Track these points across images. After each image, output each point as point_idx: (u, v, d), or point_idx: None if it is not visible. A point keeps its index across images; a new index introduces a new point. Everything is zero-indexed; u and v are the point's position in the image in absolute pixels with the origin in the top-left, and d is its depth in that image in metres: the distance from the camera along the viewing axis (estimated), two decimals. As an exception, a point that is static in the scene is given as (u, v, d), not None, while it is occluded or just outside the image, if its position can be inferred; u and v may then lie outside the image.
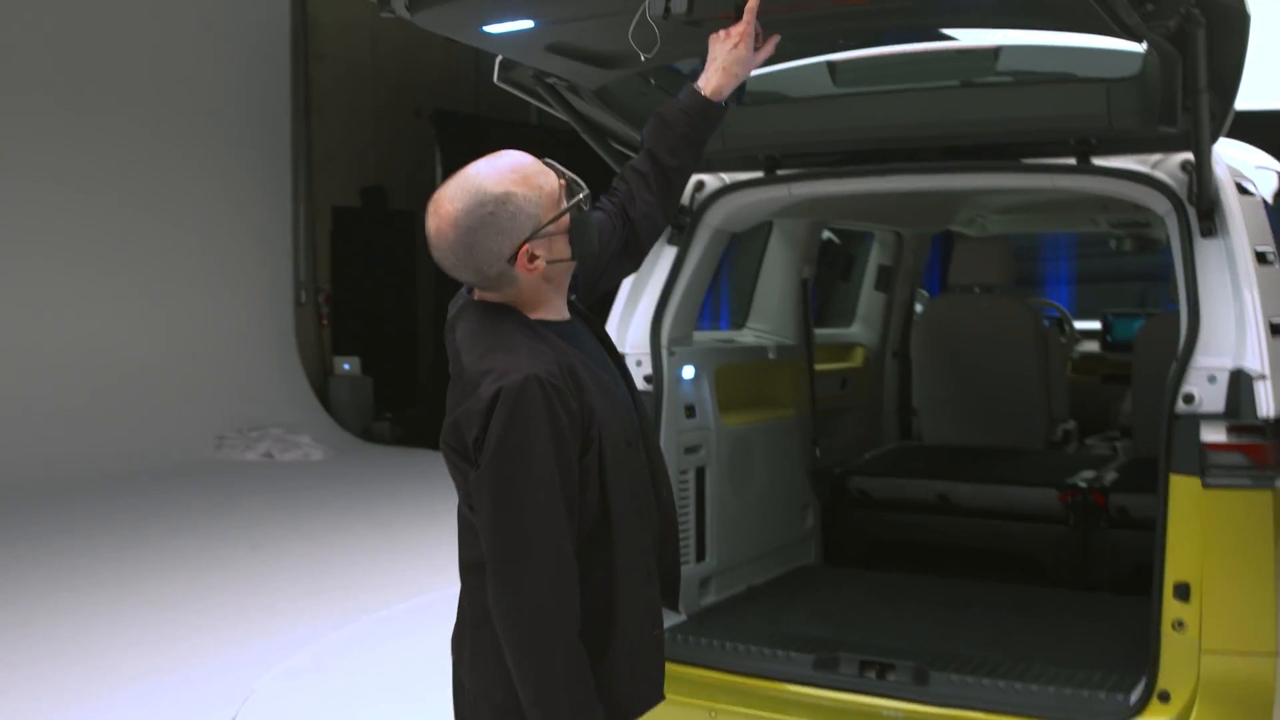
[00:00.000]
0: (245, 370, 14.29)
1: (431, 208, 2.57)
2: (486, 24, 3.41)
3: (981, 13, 3.31)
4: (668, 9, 2.90)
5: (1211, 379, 3.58)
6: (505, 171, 2.56)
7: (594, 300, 3.00)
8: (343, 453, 13.79)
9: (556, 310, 2.69)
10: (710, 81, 3.01)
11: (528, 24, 3.40)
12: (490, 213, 2.52)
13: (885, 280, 6.62)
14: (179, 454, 12.83)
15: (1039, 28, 3.46)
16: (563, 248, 2.61)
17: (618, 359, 2.85)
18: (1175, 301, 5.79)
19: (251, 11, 14.63)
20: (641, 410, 2.80)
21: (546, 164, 2.63)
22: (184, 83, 13.97)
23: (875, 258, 6.61)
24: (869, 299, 6.63)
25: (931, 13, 3.30)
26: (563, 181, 2.62)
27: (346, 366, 15.36)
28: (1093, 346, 7.93)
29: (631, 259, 3.09)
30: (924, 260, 6.81)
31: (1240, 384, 3.53)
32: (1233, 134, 3.91)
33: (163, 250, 13.87)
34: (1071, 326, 7.96)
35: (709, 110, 3.02)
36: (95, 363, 12.98)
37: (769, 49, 3.11)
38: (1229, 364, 3.57)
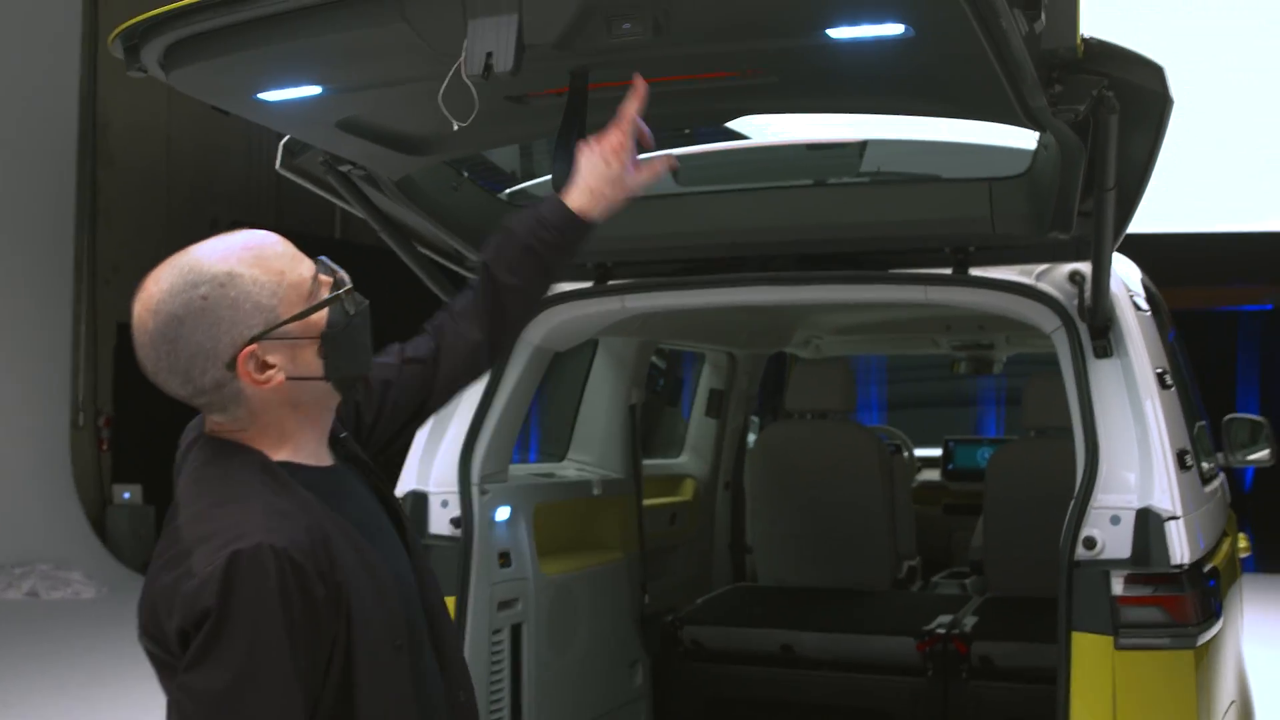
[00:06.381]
0: (11, 499, 13.13)
1: (138, 292, 1.95)
2: (261, 90, 2.77)
3: (864, 96, 2.81)
4: (488, 67, 2.28)
5: (1115, 520, 3.15)
6: (235, 248, 1.94)
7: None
8: (118, 590, 12.66)
9: (312, 452, 2.00)
10: (574, 199, 2.39)
11: (313, 90, 2.77)
12: (202, 296, 1.90)
13: (717, 405, 6.11)
14: (-70, 593, 11.63)
15: (929, 114, 2.99)
16: (312, 362, 1.95)
17: (401, 522, 2.14)
18: (1028, 428, 5.50)
19: (36, 111, 13.68)
20: (429, 592, 2.09)
21: (320, 261, 2.01)
22: (-47, 186, 12.95)
23: (706, 381, 6.09)
24: (699, 426, 6.10)
25: (803, 94, 2.79)
26: (324, 277, 1.98)
27: (127, 495, 14.34)
28: (932, 475, 7.56)
29: (429, 413, 2.41)
30: (757, 384, 6.33)
31: (1149, 525, 3.10)
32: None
33: (-80, 368, 12.75)
34: (911, 454, 7.57)
35: (567, 223, 2.37)
36: None
37: (655, 170, 2.49)
38: (1134, 502, 3.15)
